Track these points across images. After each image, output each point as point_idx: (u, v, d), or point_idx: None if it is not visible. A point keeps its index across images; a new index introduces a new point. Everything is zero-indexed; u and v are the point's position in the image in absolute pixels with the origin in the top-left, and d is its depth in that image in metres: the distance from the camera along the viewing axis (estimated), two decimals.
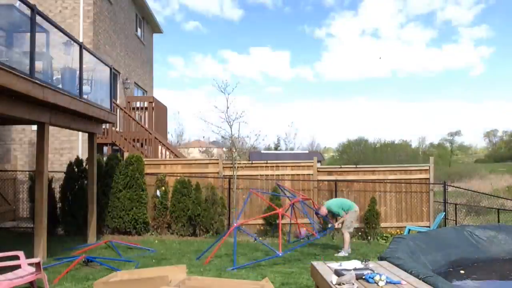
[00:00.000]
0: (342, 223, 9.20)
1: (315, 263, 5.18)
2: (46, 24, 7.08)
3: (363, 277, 4.40)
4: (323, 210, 9.38)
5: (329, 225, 10.12)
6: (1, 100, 5.95)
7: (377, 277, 4.30)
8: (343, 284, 4.22)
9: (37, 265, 5.65)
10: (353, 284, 4.22)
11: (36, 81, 6.28)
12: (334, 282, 4.27)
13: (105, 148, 14.49)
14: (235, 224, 8.37)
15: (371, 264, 4.97)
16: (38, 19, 6.55)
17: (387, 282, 4.23)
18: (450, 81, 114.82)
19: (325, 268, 4.85)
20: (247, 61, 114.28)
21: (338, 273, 4.50)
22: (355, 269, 4.56)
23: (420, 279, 4.41)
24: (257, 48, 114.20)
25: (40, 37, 6.84)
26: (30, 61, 6.25)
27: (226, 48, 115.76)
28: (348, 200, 9.68)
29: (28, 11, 6.34)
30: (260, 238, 10.82)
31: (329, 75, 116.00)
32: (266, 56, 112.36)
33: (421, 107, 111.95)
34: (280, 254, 7.70)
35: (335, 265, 4.96)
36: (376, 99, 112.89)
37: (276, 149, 34.64)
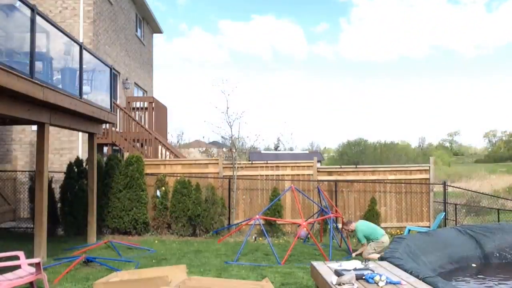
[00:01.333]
0: (361, 254, 8.56)
1: (315, 263, 5.18)
2: (46, 25, 7.07)
3: (363, 277, 4.40)
4: (351, 227, 8.95)
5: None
6: (1, 100, 5.95)
7: (377, 278, 4.30)
8: (343, 284, 4.22)
9: (37, 265, 5.65)
10: (353, 284, 4.22)
11: (36, 81, 6.28)
12: (334, 282, 4.27)
13: (105, 148, 14.49)
14: (257, 216, 8.96)
15: (371, 264, 4.97)
16: (38, 19, 6.55)
17: (387, 283, 4.23)
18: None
19: (325, 269, 4.85)
20: (245, 31, 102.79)
21: (338, 273, 4.50)
22: (355, 269, 4.57)
23: (420, 279, 4.41)
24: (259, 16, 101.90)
25: (40, 37, 6.83)
26: (30, 62, 6.25)
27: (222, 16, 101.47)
28: (380, 229, 8.93)
29: (28, 12, 6.34)
30: (260, 238, 10.83)
31: (348, 53, 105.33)
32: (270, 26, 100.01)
33: (422, 105, 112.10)
34: (280, 264, 7.89)
35: (335, 265, 4.96)
36: (387, 93, 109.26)
37: (276, 149, 34.67)
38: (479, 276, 6.92)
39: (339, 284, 4.25)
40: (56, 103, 6.95)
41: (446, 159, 62.55)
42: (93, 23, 13.42)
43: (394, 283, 4.22)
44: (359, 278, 4.38)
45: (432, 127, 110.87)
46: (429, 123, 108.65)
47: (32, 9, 6.31)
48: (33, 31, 6.35)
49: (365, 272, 4.50)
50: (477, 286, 6.35)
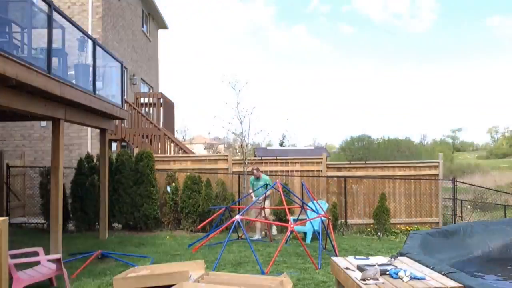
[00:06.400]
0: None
1: (336, 259, 5.20)
2: (61, 20, 7.06)
3: (387, 272, 4.42)
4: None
5: None
6: (19, 96, 5.96)
7: (401, 273, 4.31)
8: (368, 279, 4.24)
9: (57, 261, 5.67)
10: (378, 279, 4.24)
11: (54, 77, 6.28)
12: (359, 278, 4.29)
13: (114, 144, 14.50)
14: (237, 217, 7.78)
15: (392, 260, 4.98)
16: (54, 15, 6.54)
17: (411, 278, 4.25)
18: None
19: (348, 264, 4.86)
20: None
21: (361, 268, 4.51)
22: (378, 265, 4.58)
23: (443, 274, 4.42)
24: None
25: (56, 33, 6.83)
26: (47, 57, 6.25)
27: None
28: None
29: (45, 7, 6.34)
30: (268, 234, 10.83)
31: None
32: None
33: (423, 102, 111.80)
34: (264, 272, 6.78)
35: (356, 261, 4.97)
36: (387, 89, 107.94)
37: (281, 145, 34.64)
38: None
39: (364, 280, 4.27)
40: (72, 99, 6.95)
41: (448, 155, 62.38)
42: (102, 19, 13.40)
43: (419, 279, 4.23)
44: (383, 273, 4.40)
45: (434, 123, 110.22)
46: (430, 119, 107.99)
47: (49, 4, 6.30)
48: (50, 27, 6.35)
49: (389, 268, 4.52)
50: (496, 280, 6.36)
